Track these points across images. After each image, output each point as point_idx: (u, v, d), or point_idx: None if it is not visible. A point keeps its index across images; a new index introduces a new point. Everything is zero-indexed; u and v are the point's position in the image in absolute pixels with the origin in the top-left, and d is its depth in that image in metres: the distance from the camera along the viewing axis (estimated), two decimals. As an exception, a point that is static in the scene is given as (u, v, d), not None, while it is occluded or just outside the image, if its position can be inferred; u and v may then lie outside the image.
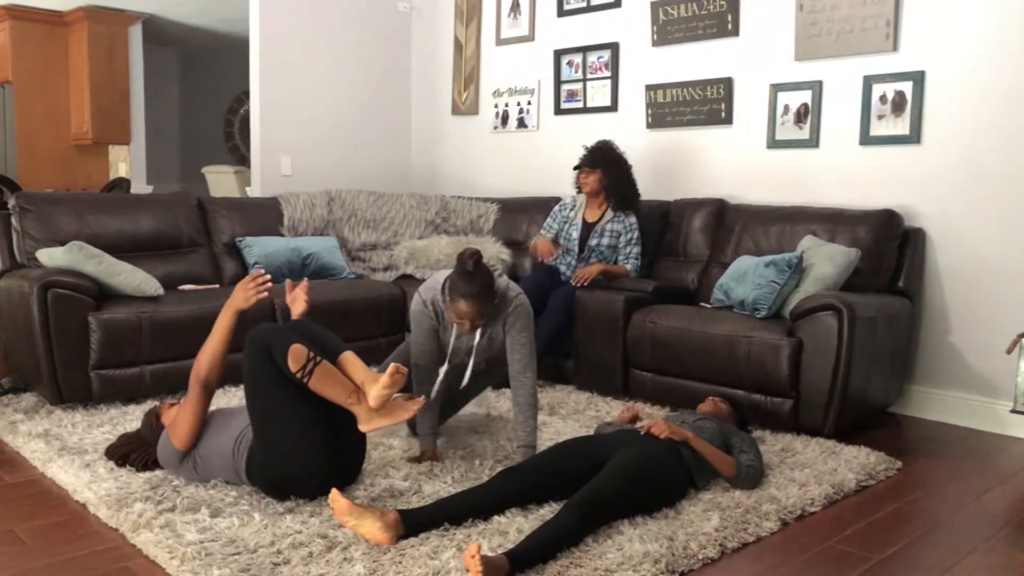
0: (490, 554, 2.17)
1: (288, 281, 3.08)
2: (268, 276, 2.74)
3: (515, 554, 2.16)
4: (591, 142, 4.54)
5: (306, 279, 3.03)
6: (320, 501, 2.58)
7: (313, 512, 2.52)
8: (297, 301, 2.95)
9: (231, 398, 3.77)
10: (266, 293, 2.72)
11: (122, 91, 8.17)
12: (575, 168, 4.49)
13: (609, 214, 4.43)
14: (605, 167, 4.39)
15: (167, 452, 2.73)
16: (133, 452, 2.85)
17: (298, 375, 2.45)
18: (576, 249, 4.45)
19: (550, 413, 3.75)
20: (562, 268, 4.50)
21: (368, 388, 2.49)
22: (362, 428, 2.47)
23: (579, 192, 4.55)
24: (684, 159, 4.85)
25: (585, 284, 4.23)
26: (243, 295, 2.70)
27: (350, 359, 2.64)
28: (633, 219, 4.44)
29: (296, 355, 2.45)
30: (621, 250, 4.42)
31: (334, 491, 2.33)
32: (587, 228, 4.46)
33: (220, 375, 2.69)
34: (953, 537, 2.59)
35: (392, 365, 2.46)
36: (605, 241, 4.41)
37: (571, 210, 4.53)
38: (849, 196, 4.16)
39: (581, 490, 2.44)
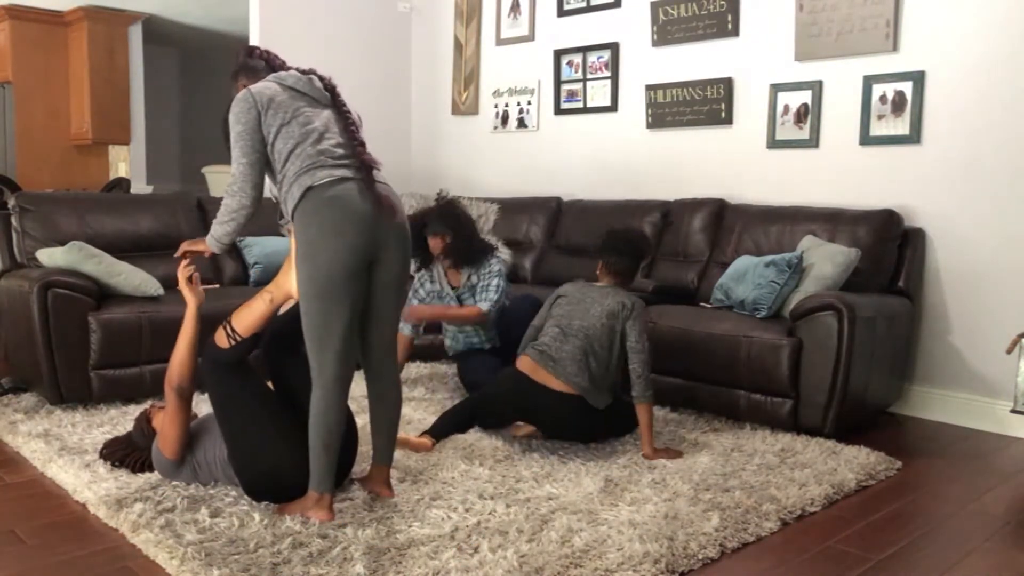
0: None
1: None
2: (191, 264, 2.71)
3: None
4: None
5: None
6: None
7: (313, 512, 2.52)
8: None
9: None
10: (193, 266, 2.70)
11: (122, 91, 8.17)
12: (428, 234, 3.95)
13: (466, 272, 4.02)
14: (454, 229, 3.95)
15: (161, 463, 2.72)
16: (127, 457, 2.85)
17: (234, 343, 2.54)
18: None
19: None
20: (447, 341, 4.16)
21: (284, 283, 2.56)
22: (295, 294, 2.48)
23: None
24: (684, 159, 4.85)
25: (419, 324, 4.02)
26: (187, 293, 2.67)
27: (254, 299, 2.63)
28: (491, 263, 4.00)
29: (219, 335, 2.56)
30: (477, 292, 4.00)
31: None
32: (460, 295, 4.04)
33: (193, 380, 2.64)
34: (953, 537, 2.59)
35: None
36: (479, 297, 3.99)
37: (433, 282, 4.06)
38: (849, 196, 4.16)
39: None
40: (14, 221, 4.12)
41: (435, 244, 3.96)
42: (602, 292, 3.27)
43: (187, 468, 2.70)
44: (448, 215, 3.97)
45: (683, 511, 2.59)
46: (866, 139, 4.11)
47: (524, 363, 3.25)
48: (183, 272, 2.69)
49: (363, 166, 2.47)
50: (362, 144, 2.53)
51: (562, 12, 5.41)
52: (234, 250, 4.72)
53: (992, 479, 3.12)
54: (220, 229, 2.54)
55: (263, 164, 2.50)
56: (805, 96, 4.31)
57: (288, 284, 2.53)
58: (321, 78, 2.65)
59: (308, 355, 2.43)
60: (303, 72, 2.63)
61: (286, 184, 2.44)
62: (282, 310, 2.62)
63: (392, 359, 2.66)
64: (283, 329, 2.65)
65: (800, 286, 3.70)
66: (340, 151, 2.47)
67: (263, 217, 5.01)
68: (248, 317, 2.56)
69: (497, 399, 3.30)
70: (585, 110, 5.32)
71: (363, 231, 2.40)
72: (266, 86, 2.54)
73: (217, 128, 2.65)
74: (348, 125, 2.56)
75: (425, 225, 3.97)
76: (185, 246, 2.70)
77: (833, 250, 3.75)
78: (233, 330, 2.55)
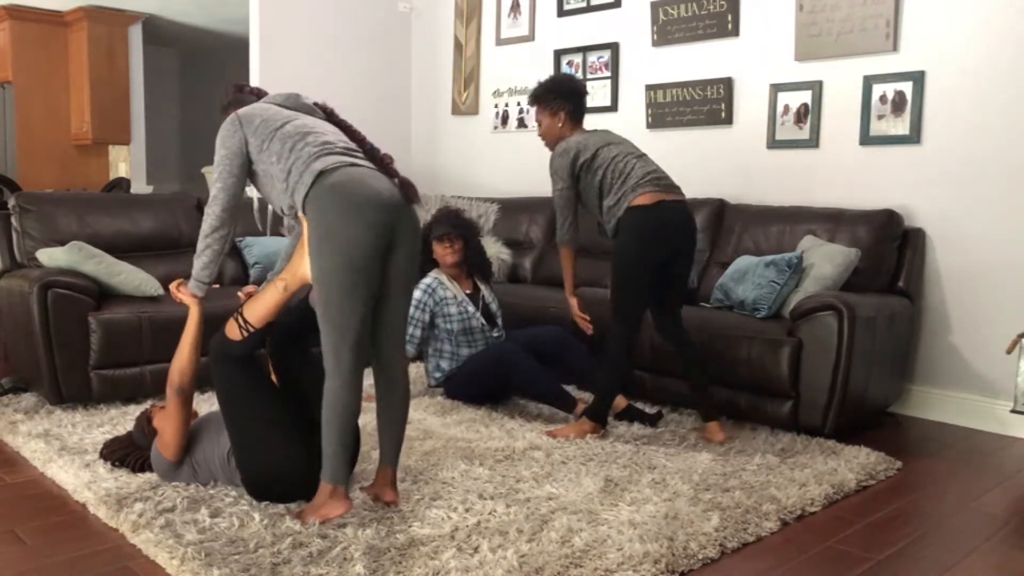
0: None
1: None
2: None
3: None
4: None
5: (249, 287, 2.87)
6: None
7: (313, 512, 2.52)
8: None
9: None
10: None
11: (122, 91, 8.18)
12: (435, 238, 3.84)
13: (482, 285, 3.99)
14: (467, 236, 3.89)
15: (160, 464, 2.71)
16: (128, 456, 2.85)
17: (246, 334, 2.53)
18: (482, 323, 3.86)
19: (551, 413, 3.75)
20: (443, 363, 3.89)
21: (297, 270, 2.53)
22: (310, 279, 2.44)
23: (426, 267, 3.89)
24: (684, 159, 4.84)
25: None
26: (186, 297, 2.64)
27: (263, 290, 2.63)
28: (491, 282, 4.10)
29: (230, 327, 2.55)
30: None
31: None
32: (475, 299, 3.92)
33: (194, 381, 2.63)
34: (953, 537, 2.59)
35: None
36: (495, 306, 4.00)
37: (445, 288, 3.85)
38: (849, 196, 4.16)
39: None
40: (14, 221, 4.12)
41: (453, 250, 3.82)
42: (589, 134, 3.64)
43: (186, 468, 2.70)
44: (462, 222, 3.90)
45: (683, 511, 2.59)
46: (866, 139, 4.11)
47: (672, 194, 3.35)
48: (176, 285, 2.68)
49: (378, 160, 2.53)
50: (374, 147, 2.60)
51: (562, 12, 5.41)
52: (234, 250, 4.72)
53: (992, 479, 3.13)
54: (197, 264, 2.59)
55: (238, 189, 2.54)
56: (805, 96, 4.31)
57: (302, 269, 2.48)
58: (317, 104, 2.72)
59: (324, 346, 2.39)
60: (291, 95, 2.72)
61: (293, 177, 2.40)
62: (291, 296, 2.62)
63: (401, 352, 2.61)
64: (292, 327, 2.64)
65: (800, 286, 3.70)
66: (344, 144, 2.51)
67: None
68: (261, 307, 2.53)
69: (667, 236, 3.32)
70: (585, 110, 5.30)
71: (381, 210, 2.35)
72: (253, 106, 2.61)
73: (217, 128, 2.66)
74: (354, 133, 2.62)
75: (436, 232, 3.84)
76: (182, 296, 2.65)
77: (833, 250, 3.75)
78: (246, 320, 2.53)
